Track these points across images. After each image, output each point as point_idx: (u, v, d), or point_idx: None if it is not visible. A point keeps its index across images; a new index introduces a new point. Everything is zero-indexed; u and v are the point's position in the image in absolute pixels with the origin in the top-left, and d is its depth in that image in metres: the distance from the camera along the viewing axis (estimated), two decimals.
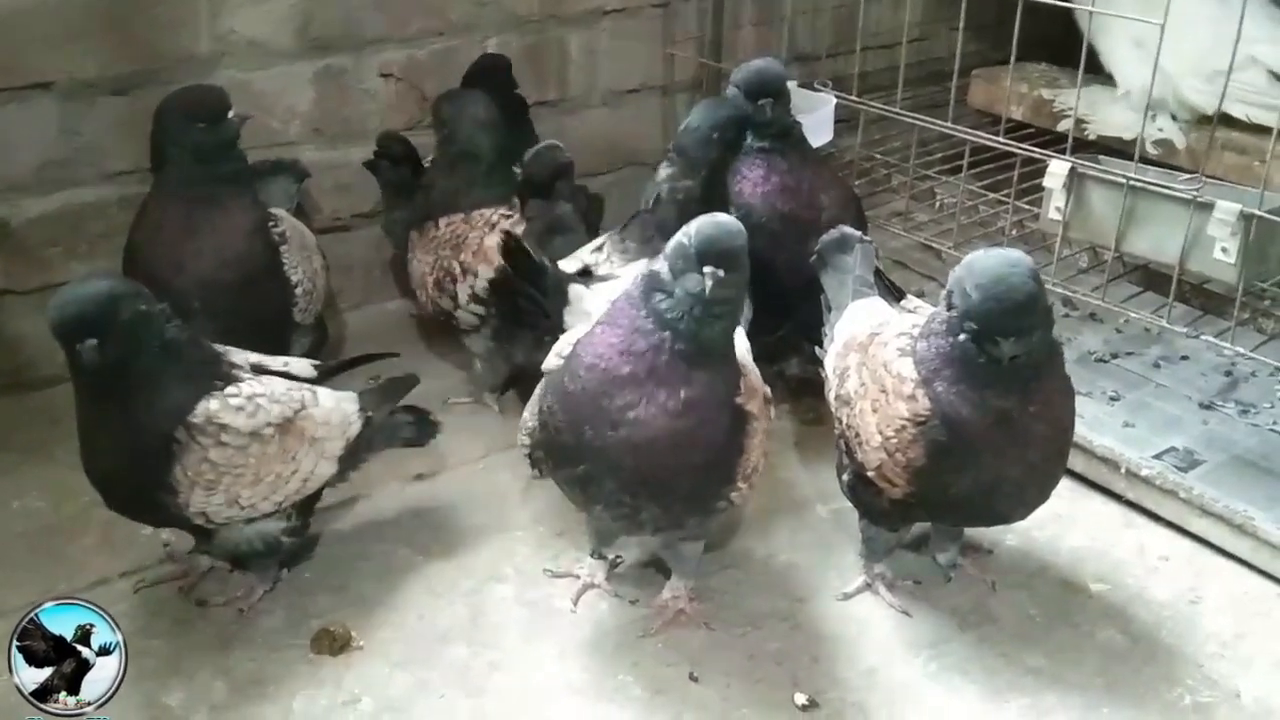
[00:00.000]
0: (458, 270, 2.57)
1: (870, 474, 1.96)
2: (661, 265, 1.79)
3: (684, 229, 1.79)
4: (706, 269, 1.72)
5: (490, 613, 2.12)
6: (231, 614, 2.09)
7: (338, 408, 2.11)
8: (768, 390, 1.97)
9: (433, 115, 2.73)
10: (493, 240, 2.48)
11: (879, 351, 1.98)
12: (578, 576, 2.17)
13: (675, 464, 1.81)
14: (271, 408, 1.98)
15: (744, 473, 1.88)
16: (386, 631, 2.06)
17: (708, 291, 1.72)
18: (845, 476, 2.09)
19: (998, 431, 1.82)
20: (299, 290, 2.50)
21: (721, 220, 1.79)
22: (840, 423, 2.07)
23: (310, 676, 1.97)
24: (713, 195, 2.35)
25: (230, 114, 2.40)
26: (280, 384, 2.04)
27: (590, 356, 1.81)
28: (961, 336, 1.80)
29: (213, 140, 2.37)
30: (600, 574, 2.17)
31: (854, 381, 2.03)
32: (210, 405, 1.92)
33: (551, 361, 1.96)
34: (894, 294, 2.26)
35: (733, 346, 1.87)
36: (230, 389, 1.95)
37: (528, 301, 2.26)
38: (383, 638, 2.05)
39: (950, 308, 1.83)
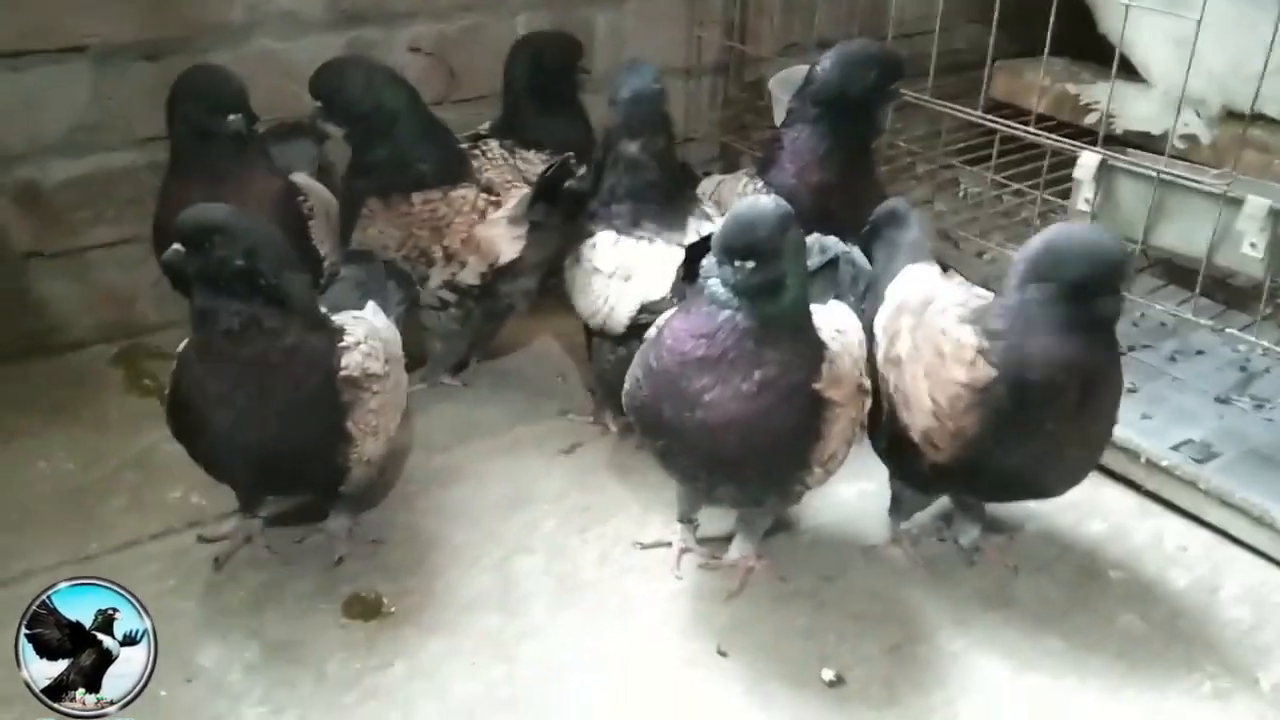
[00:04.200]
0: (438, 255, 2.47)
1: (914, 436, 1.97)
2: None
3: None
4: (735, 262, 1.78)
5: (519, 582, 2.13)
6: (263, 577, 2.10)
7: (385, 321, 2.18)
8: (866, 381, 1.98)
9: (322, 92, 2.50)
10: (486, 232, 2.45)
11: (935, 318, 1.98)
12: (670, 544, 2.20)
13: (744, 448, 1.84)
14: (379, 345, 2.04)
15: (820, 459, 1.89)
16: (416, 598, 2.07)
17: (734, 282, 1.78)
18: (883, 437, 2.09)
19: (1070, 400, 1.84)
20: (326, 264, 2.50)
21: (747, 212, 1.81)
22: (887, 382, 2.06)
23: (343, 640, 1.98)
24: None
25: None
26: (350, 319, 2.07)
27: (670, 339, 1.86)
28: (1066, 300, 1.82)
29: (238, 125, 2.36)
30: (691, 538, 2.20)
31: (905, 344, 2.02)
32: (354, 358, 1.95)
33: (649, 330, 2.02)
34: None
35: (807, 325, 1.88)
36: (350, 338, 1.98)
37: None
38: (413, 604, 2.06)
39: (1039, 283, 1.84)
